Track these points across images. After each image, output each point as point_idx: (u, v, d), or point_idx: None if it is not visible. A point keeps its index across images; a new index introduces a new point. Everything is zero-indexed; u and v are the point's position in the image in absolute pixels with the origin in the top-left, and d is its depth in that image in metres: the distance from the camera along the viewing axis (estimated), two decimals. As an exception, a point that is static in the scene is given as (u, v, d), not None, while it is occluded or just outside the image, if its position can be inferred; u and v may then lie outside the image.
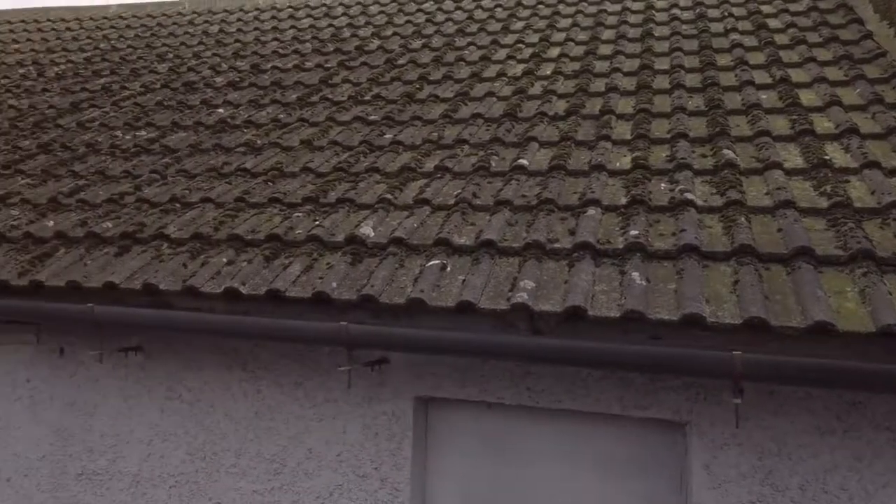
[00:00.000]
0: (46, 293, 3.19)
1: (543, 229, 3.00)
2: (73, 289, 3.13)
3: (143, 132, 4.88)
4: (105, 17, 8.10)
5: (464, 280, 2.80)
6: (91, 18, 8.14)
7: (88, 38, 7.39)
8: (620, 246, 2.83)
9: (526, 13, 6.35)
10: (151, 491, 3.39)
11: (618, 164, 3.50)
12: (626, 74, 4.61)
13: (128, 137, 4.79)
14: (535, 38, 5.65)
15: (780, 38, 4.81)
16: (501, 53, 5.45)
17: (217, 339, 3.20)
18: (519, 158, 3.68)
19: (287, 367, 3.17)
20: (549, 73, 4.90)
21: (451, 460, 3.13)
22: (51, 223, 3.69)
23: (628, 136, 3.77)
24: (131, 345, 3.29)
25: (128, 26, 7.65)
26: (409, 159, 3.89)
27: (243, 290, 2.91)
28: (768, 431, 2.62)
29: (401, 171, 3.78)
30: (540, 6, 6.44)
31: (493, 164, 3.70)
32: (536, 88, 4.68)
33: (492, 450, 3.09)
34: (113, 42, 7.10)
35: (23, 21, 8.36)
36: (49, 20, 8.27)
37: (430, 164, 3.82)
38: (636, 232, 2.87)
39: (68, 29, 7.85)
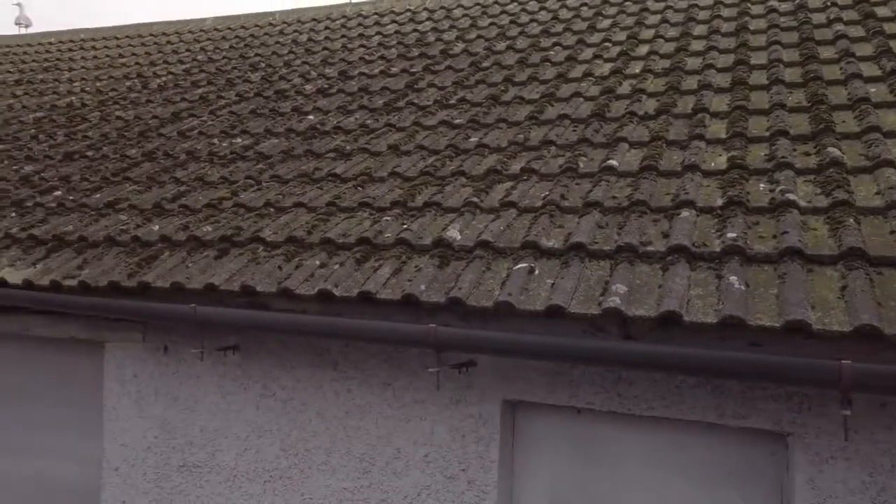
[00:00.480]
0: (153, 293, 3.37)
1: (635, 232, 2.93)
2: (176, 290, 3.29)
3: (238, 139, 5.09)
4: (202, 30, 8.48)
5: (553, 283, 2.77)
6: (189, 31, 8.55)
7: (187, 50, 7.77)
8: (717, 249, 2.72)
9: (612, 11, 6.22)
10: (247, 485, 3.52)
11: (713, 164, 3.38)
12: (720, 71, 4.45)
13: (224, 145, 5.00)
14: (622, 36, 5.54)
15: (891, 27, 4.52)
16: (588, 53, 5.36)
17: (309, 339, 3.29)
18: (608, 159, 3.61)
19: (376, 368, 3.22)
20: (637, 71, 4.78)
21: (539, 464, 3.10)
22: (156, 227, 3.89)
23: (723, 135, 3.63)
24: (229, 344, 3.43)
25: (223, 38, 7.99)
26: (494, 162, 3.88)
27: (336, 291, 2.99)
28: (880, 446, 2.46)
29: (487, 174, 3.78)
30: (627, 3, 6.30)
31: (581, 166, 3.65)
32: (625, 87, 4.58)
33: (581, 455, 3.05)
34: (209, 53, 7.43)
35: (128, 37, 8.87)
36: (151, 34, 8.74)
37: (516, 167, 3.80)
38: (734, 234, 2.76)
39: (168, 42, 8.27)
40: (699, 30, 5.26)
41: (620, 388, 2.83)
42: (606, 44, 5.43)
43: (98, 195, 4.50)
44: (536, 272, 2.87)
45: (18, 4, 10.49)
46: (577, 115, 4.30)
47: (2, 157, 5.62)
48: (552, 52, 5.47)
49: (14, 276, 3.70)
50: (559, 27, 6.06)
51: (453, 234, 3.19)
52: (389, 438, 3.22)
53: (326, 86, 5.78)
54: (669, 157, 3.55)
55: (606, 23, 5.94)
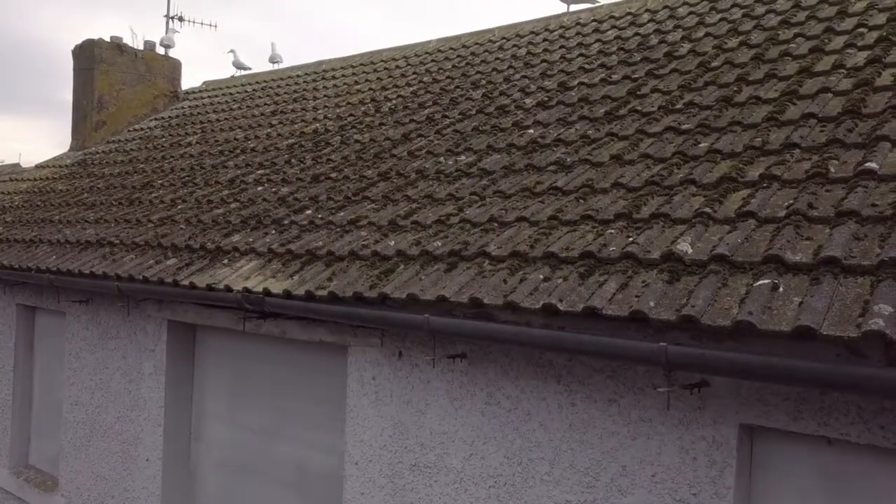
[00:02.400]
0: (391, 303, 3.64)
1: (903, 244, 2.57)
2: (411, 300, 3.52)
3: (462, 157, 5.32)
4: (427, 52, 9.01)
5: (801, 302, 2.52)
6: (415, 55, 9.12)
7: (414, 73, 8.30)
8: None
9: (867, -9, 5.53)
10: (472, 488, 3.65)
11: None
12: None
13: (450, 163, 5.25)
14: (881, 19, 4.89)
15: None
16: (838, 41, 4.82)
17: (533, 351, 3.33)
18: (866, 161, 3.20)
19: (601, 383, 3.17)
20: (900, 58, 4.20)
21: (780, 494, 2.83)
22: (392, 242, 4.20)
23: None
24: (457, 352, 3.59)
25: (446, 58, 8.41)
26: (728, 168, 3.64)
27: (560, 306, 2.99)
28: None
29: (720, 182, 3.55)
30: (885, -19, 5.56)
31: (832, 170, 3.28)
32: (885, 78, 4.03)
33: (831, 489, 2.73)
34: (434, 75, 7.86)
35: (362, 64, 9.70)
36: (382, 60, 9.46)
37: (753, 173, 3.52)
38: None
39: (397, 67, 8.90)
40: (982, 3, 4.48)
41: (883, 419, 2.49)
42: (861, 29, 4.83)
43: (342, 213, 4.96)
44: (781, 289, 2.63)
45: (273, 44, 11.96)
46: (826, 112, 3.88)
47: (263, 181, 6.42)
48: (793, 45, 4.99)
49: (276, 287, 4.21)
50: (801, 16, 5.52)
51: (684, 247, 3.04)
52: (615, 455, 3.15)
53: (546, 98, 5.82)
54: (946, 156, 3.06)
55: (861, 4, 5.28)
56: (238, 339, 5.01)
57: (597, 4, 8.13)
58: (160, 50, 11.84)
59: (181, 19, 12.70)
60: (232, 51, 12.09)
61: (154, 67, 11.54)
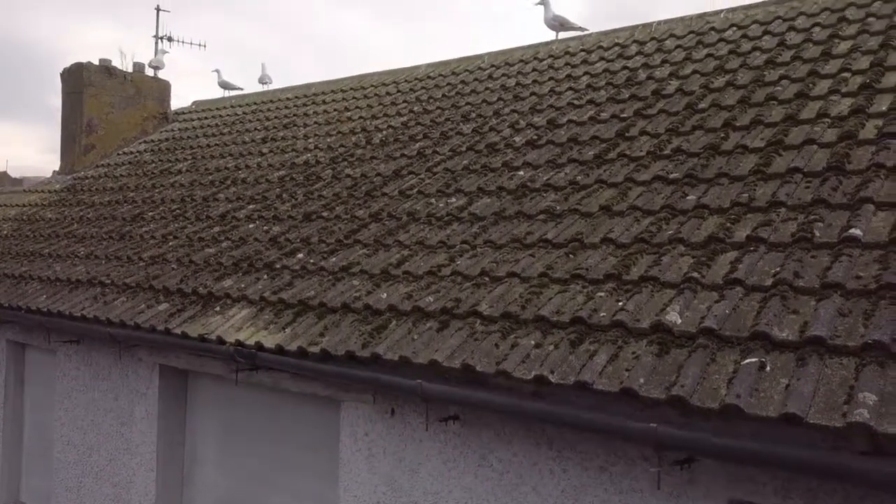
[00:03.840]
0: (383, 364, 3.66)
1: (886, 325, 2.61)
2: (404, 362, 3.54)
3: (453, 199, 5.34)
4: (417, 79, 9.03)
5: (787, 385, 2.56)
6: (405, 80, 9.14)
7: (404, 101, 8.32)
8: None
9: (852, 30, 5.59)
10: (467, 546, 3.66)
11: None
12: None
13: (441, 205, 5.28)
14: (864, 63, 4.95)
15: None
16: (822, 86, 4.87)
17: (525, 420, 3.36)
18: (850, 227, 3.25)
19: (592, 451, 3.20)
20: (884, 108, 4.26)
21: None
22: (384, 295, 4.22)
23: None
24: (449, 414, 3.61)
25: (436, 86, 8.43)
26: (716, 227, 3.68)
27: (552, 378, 3.02)
28: None
29: (707, 242, 3.59)
30: (870, 19, 5.64)
31: (818, 234, 3.33)
32: (869, 130, 4.09)
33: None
34: (424, 104, 7.88)
35: (352, 89, 9.70)
36: (372, 85, 9.47)
37: (740, 233, 3.56)
38: None
39: (387, 93, 8.91)
40: (964, 51, 4.55)
41: (869, 502, 2.53)
42: (845, 74, 4.89)
43: (334, 259, 4.98)
44: (768, 368, 2.67)
45: (262, 64, 11.96)
46: (811, 167, 3.93)
47: (254, 217, 6.43)
48: (779, 88, 5.05)
49: (268, 340, 4.22)
50: (787, 55, 5.58)
51: (673, 317, 3.07)
52: (607, 521, 3.18)
53: (535, 137, 5.86)
54: (929, 224, 3.11)
55: (845, 46, 5.35)
56: (231, 387, 5.01)
57: (585, 32, 8.19)
58: (149, 71, 11.82)
59: (170, 39, 12.68)
60: (216, 70, 12.07)
61: (143, 89, 11.51)
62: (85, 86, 10.85)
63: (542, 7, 8.27)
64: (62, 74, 11.23)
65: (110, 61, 11.23)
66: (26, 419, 7.17)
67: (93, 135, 10.97)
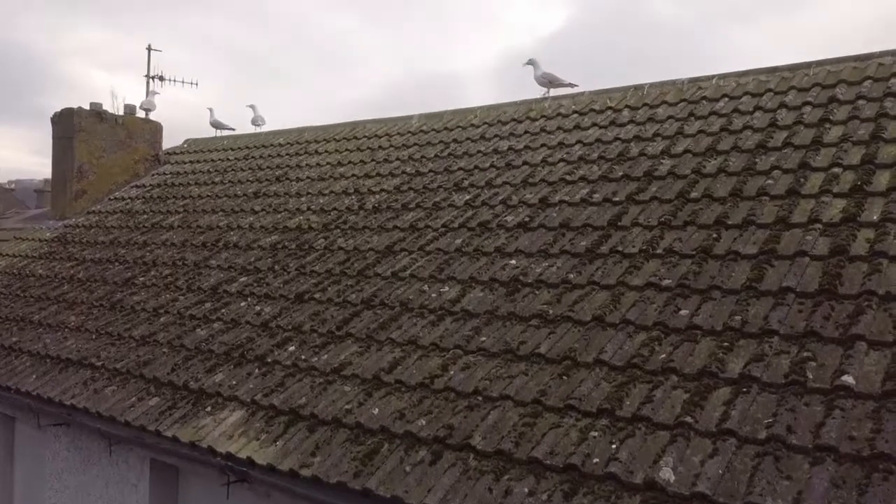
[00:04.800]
0: (374, 499, 3.63)
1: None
2: (395, 501, 3.51)
3: (445, 287, 5.32)
4: (409, 132, 9.00)
5: (781, 571, 2.54)
6: (398, 133, 9.11)
7: (397, 158, 8.30)
8: None
9: (842, 114, 5.61)
10: None
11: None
12: None
13: (434, 295, 5.25)
14: (855, 157, 4.97)
15: None
16: (814, 182, 4.88)
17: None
18: (842, 370, 3.25)
19: None
20: (876, 218, 4.26)
21: None
22: (375, 410, 4.19)
23: None
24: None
25: (428, 143, 8.40)
26: (707, 356, 3.67)
27: (544, 538, 3.00)
28: None
29: (700, 374, 3.58)
30: (860, 102, 5.65)
31: (810, 376, 3.32)
32: (860, 245, 4.10)
33: None
34: (417, 165, 7.86)
35: (345, 138, 9.66)
36: (366, 136, 9.44)
37: (734, 366, 3.55)
38: None
39: (380, 147, 8.89)
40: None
41: None
42: (836, 169, 4.90)
43: (325, 356, 4.95)
44: (761, 547, 2.65)
45: (252, 106, 11.90)
46: (803, 286, 3.93)
47: (246, 293, 6.39)
48: (770, 181, 5.05)
49: (260, 456, 4.19)
50: (779, 138, 5.59)
51: (666, 474, 3.06)
52: None
53: (527, 218, 5.84)
54: (921, 375, 3.11)
55: (836, 133, 5.37)
56: (223, 489, 4.97)
57: (575, 89, 8.21)
58: (141, 113, 11.76)
59: (161, 78, 12.61)
60: (210, 109, 12.04)
61: (135, 132, 11.47)
62: (76, 131, 10.81)
63: (531, 67, 8.31)
64: (52, 119, 11.17)
65: (101, 105, 11.19)
66: (16, 494, 7.11)
67: (84, 180, 10.93)
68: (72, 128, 10.81)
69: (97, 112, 11.03)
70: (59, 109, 11.07)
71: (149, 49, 12.57)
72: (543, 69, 8.30)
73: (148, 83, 12.46)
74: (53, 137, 11.23)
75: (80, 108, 10.88)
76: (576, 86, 8.33)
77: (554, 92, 8.35)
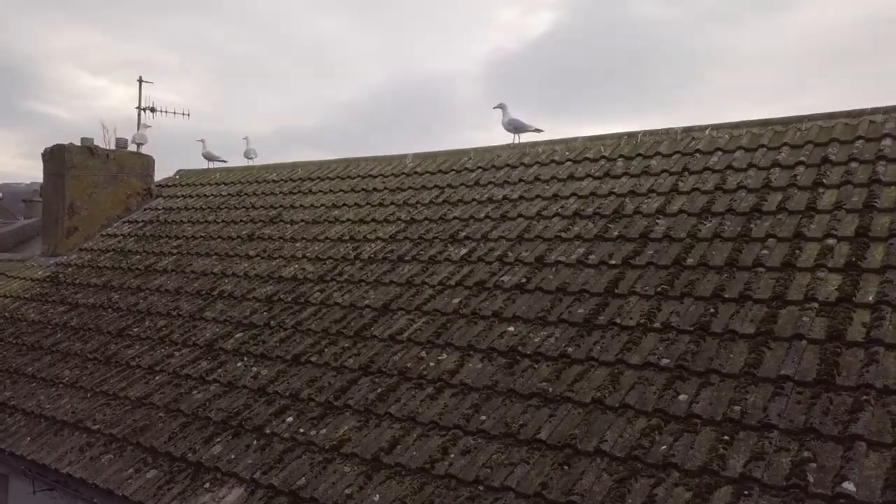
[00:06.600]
0: None
1: None
2: None
3: (444, 354, 5.32)
4: (403, 173, 9.00)
5: None
6: (392, 174, 9.11)
7: (392, 203, 8.30)
8: None
9: (835, 176, 5.67)
10: None
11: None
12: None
13: (432, 364, 5.25)
14: (850, 227, 5.01)
15: None
16: (810, 252, 4.92)
17: None
18: (843, 476, 3.27)
19: None
20: (871, 299, 4.30)
21: None
22: (376, 497, 4.19)
23: None
24: None
25: (423, 186, 8.41)
26: (707, 452, 3.68)
27: None
28: None
29: (702, 471, 3.59)
30: (853, 164, 5.70)
31: (811, 480, 3.34)
32: (856, 330, 4.13)
33: None
34: (412, 212, 7.86)
35: (339, 178, 9.65)
36: (360, 176, 9.42)
37: (735, 462, 3.57)
38: None
39: (375, 189, 8.87)
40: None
41: None
42: (830, 240, 4.95)
43: (324, 430, 4.94)
44: None
45: (246, 139, 11.89)
46: (801, 374, 3.95)
47: (242, 351, 6.37)
48: (765, 251, 5.09)
49: (260, 543, 4.17)
50: (773, 201, 5.63)
51: (669, 588, 3.07)
52: None
53: (524, 279, 5.86)
54: (920, 484, 3.14)
55: (829, 199, 5.42)
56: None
57: (540, 135, 8.36)
58: (132, 147, 11.71)
59: (153, 110, 12.57)
60: (202, 140, 12.02)
61: (126, 166, 11.41)
62: (67, 168, 10.74)
63: (499, 110, 8.44)
64: (44, 154, 11.10)
65: (92, 140, 11.12)
66: (11, 552, 7.05)
67: (75, 216, 10.84)
68: (63, 164, 10.73)
69: (88, 147, 10.96)
70: (50, 146, 10.99)
71: (140, 81, 12.54)
72: (511, 115, 8.46)
73: (139, 115, 12.44)
74: (44, 173, 11.16)
75: (71, 144, 10.81)
76: (541, 131, 8.45)
77: (523, 137, 8.50)
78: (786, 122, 6.70)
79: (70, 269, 9.96)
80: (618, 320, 4.96)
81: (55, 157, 10.87)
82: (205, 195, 10.93)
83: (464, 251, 6.66)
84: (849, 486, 3.22)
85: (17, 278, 10.45)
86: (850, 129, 6.22)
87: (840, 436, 3.51)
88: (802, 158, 6.03)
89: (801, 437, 3.60)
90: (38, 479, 6.05)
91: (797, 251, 4.96)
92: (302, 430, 5.03)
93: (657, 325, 4.79)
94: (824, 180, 5.63)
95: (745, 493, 3.40)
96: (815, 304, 4.42)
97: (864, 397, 3.66)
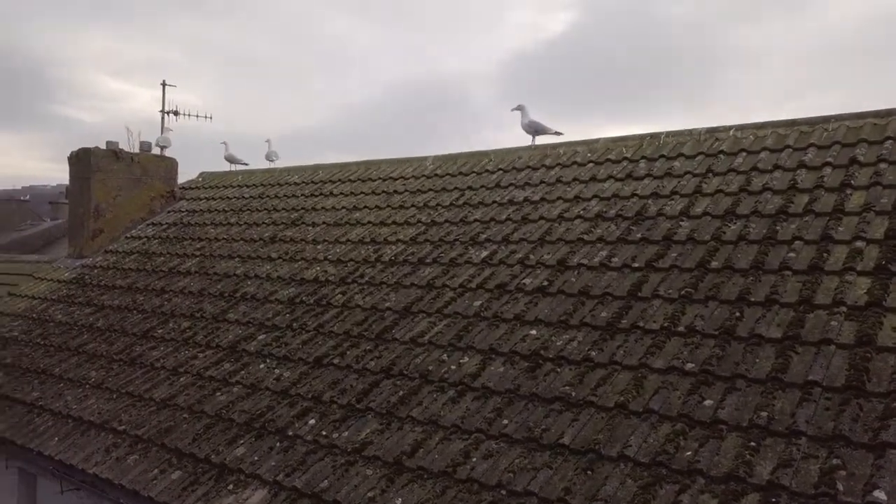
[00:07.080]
0: None
1: None
2: None
3: (465, 358, 5.31)
4: (424, 175, 9.01)
5: None
6: (413, 176, 9.11)
7: (412, 205, 8.30)
8: None
9: (864, 178, 5.57)
10: None
11: None
12: None
13: (453, 367, 5.25)
14: (879, 229, 4.92)
15: None
16: (837, 256, 4.84)
17: None
18: (873, 486, 3.20)
19: None
20: (901, 303, 4.22)
21: None
22: (399, 501, 4.19)
23: None
24: None
25: (443, 188, 8.41)
26: (734, 458, 3.63)
27: None
28: None
29: (728, 478, 3.55)
30: (882, 165, 5.60)
31: (841, 489, 3.26)
32: (887, 333, 4.05)
33: None
34: (432, 215, 7.85)
35: (360, 180, 9.69)
36: (380, 178, 9.45)
37: (762, 469, 3.51)
38: None
39: (395, 192, 8.88)
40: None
41: None
42: (859, 243, 4.86)
43: (346, 433, 4.95)
44: None
45: (268, 141, 11.98)
46: (829, 380, 3.89)
47: (265, 353, 6.41)
48: (792, 254, 5.01)
49: (283, 546, 4.19)
50: (800, 203, 5.55)
51: None
52: None
53: (546, 281, 5.82)
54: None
55: (858, 200, 5.32)
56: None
57: (560, 137, 8.31)
58: (156, 150, 11.85)
59: (176, 113, 12.72)
60: (224, 143, 12.14)
61: (150, 169, 11.54)
62: (92, 171, 10.89)
63: (518, 112, 8.44)
64: (70, 158, 11.27)
65: (117, 144, 11.27)
66: (39, 550, 7.17)
67: (101, 219, 10.99)
68: (89, 167, 10.89)
69: (113, 151, 11.11)
70: (76, 149, 11.16)
71: (163, 84, 12.72)
72: (531, 117, 8.42)
73: (163, 119, 12.60)
74: (70, 176, 11.33)
75: (96, 147, 10.96)
76: (561, 134, 8.41)
77: (540, 139, 8.47)
78: (812, 122, 6.60)
79: (96, 271, 10.09)
80: (641, 324, 4.91)
81: (81, 161, 11.03)
82: (227, 197, 11.02)
83: (485, 253, 6.65)
84: (880, 495, 3.16)
85: (44, 280, 10.61)
86: (878, 130, 6.11)
87: (870, 443, 3.45)
88: (829, 159, 5.93)
89: (829, 444, 3.54)
90: (65, 478, 6.14)
91: (825, 254, 4.88)
92: (324, 433, 5.05)
93: (681, 328, 4.73)
94: (852, 181, 5.53)
95: (773, 500, 3.35)
96: (844, 308, 4.35)
97: (895, 404, 3.59)
